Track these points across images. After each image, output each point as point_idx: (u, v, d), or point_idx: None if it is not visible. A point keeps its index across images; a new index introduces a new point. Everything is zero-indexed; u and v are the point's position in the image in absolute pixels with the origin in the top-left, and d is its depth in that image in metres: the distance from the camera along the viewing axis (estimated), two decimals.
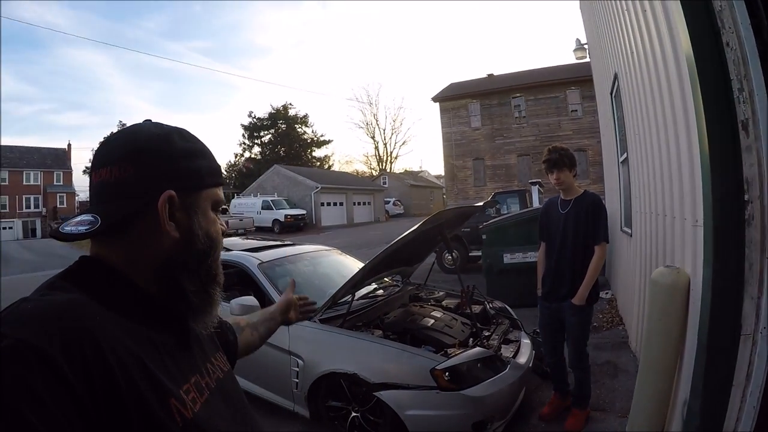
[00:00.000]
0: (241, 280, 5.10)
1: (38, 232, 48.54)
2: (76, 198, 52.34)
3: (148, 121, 0.93)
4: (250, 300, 3.89)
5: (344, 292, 3.83)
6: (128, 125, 0.91)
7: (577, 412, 3.61)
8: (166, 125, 0.91)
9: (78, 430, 0.60)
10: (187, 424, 0.74)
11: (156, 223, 0.82)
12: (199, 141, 0.93)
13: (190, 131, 0.93)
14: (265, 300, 4.10)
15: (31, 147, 51.75)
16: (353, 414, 3.49)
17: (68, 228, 0.81)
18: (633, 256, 4.93)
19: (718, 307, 2.05)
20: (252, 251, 4.86)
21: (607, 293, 7.21)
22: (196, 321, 0.91)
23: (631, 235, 5.19)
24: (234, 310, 3.80)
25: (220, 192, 0.96)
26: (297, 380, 3.67)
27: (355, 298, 4.15)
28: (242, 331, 1.34)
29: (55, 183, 51.78)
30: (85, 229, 0.79)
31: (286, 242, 5.68)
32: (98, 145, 0.88)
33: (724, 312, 2.03)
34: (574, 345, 3.56)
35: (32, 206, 49.31)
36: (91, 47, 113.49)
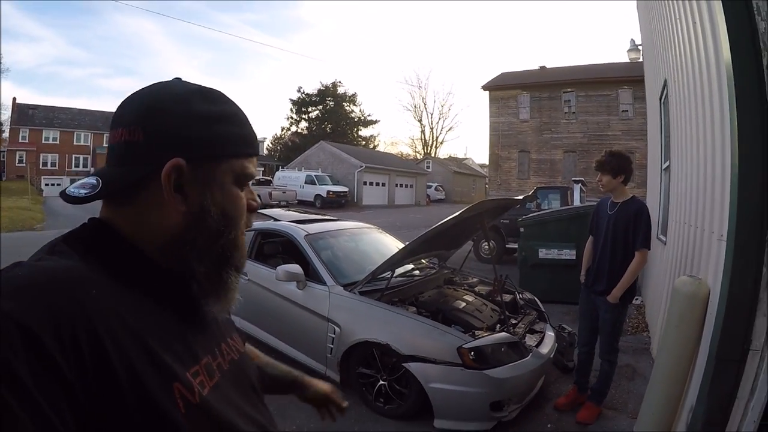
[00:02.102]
0: (285, 250, 5.42)
1: None
2: None
3: (177, 80, 0.84)
4: (295, 268, 4.20)
5: (385, 269, 4.08)
6: (154, 83, 0.81)
7: (591, 405, 3.78)
8: (194, 85, 0.82)
9: (65, 417, 0.54)
10: (191, 410, 0.68)
11: (162, 195, 0.74)
12: (230, 104, 0.83)
13: (223, 93, 0.83)
14: (309, 269, 4.40)
15: (83, 109, 53.43)
16: (381, 382, 3.76)
17: (72, 189, 0.77)
18: (665, 264, 4.99)
19: (731, 321, 2.12)
20: (299, 223, 5.16)
21: (637, 299, 7.24)
22: (206, 304, 0.82)
23: (665, 244, 5.25)
24: (279, 276, 4.13)
25: (250, 164, 0.84)
26: (332, 346, 3.96)
27: (394, 275, 4.39)
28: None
29: (104, 144, 52.89)
30: (85, 193, 0.74)
31: (330, 217, 5.95)
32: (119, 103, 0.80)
33: (735, 326, 2.11)
34: (606, 338, 3.74)
35: (81, 165, 51.03)
36: (142, 15, 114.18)
